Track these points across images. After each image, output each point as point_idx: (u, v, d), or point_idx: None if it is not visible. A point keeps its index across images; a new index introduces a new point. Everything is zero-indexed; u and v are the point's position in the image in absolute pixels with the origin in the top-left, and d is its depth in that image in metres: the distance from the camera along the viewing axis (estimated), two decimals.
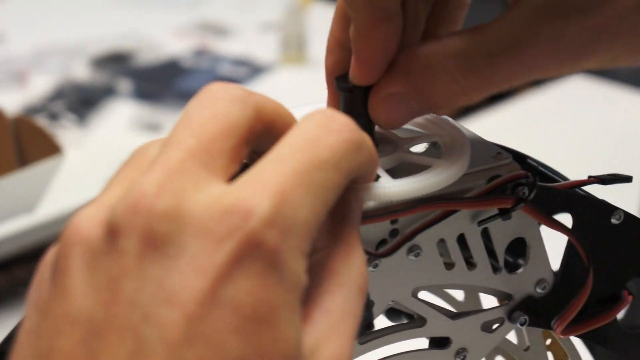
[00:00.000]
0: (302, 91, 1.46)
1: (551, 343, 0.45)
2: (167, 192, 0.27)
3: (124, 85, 1.36)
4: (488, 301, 0.45)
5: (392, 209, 0.37)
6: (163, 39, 1.53)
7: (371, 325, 0.36)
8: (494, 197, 0.38)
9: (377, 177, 0.37)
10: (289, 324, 0.27)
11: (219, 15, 1.64)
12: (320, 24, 1.57)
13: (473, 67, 0.35)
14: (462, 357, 0.41)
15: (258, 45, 1.52)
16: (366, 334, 0.39)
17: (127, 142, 1.23)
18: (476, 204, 0.38)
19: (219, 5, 1.70)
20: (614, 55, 0.35)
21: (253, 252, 0.27)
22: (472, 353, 0.41)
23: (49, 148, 0.74)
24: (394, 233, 0.38)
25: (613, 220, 0.41)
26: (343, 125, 0.30)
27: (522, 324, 0.41)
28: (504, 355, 0.45)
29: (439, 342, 0.41)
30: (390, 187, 0.36)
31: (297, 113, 0.42)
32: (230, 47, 1.51)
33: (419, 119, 0.41)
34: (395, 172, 0.38)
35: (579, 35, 0.34)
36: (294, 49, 1.47)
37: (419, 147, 0.41)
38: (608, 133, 1.21)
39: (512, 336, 0.43)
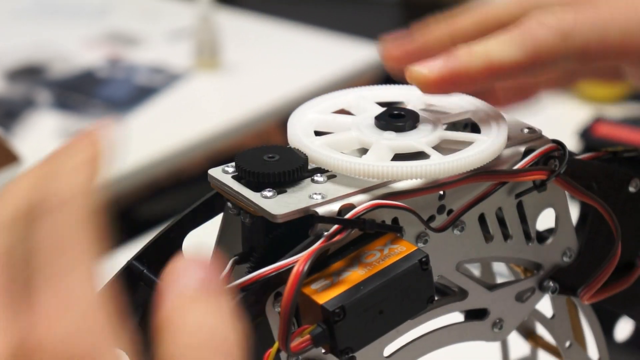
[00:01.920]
0: (219, 96, 1.46)
1: (568, 310, 0.47)
2: None
3: (43, 96, 1.34)
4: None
5: (442, 182, 0.38)
6: (74, 50, 1.51)
7: (432, 299, 0.37)
8: (532, 169, 0.40)
9: (427, 156, 0.38)
10: None
11: (126, 25, 1.63)
12: (231, 29, 1.58)
13: None
14: (499, 327, 0.43)
15: (170, 53, 1.52)
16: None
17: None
18: (517, 175, 0.40)
19: (124, 15, 1.69)
20: None
21: None
22: (507, 323, 0.43)
23: (5, 156, 0.73)
24: (441, 209, 0.39)
25: (630, 189, 0.43)
26: None
27: (553, 292, 0.43)
28: (528, 326, 0.47)
29: (476, 314, 0.43)
30: (443, 164, 0.38)
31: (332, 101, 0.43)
32: (143, 56, 1.50)
33: (446, 101, 0.43)
34: (441, 150, 0.39)
35: None
36: (207, 55, 1.47)
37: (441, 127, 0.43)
38: None
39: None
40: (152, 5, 1.74)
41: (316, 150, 0.39)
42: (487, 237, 0.41)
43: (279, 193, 0.37)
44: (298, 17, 1.71)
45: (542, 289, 0.43)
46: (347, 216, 0.36)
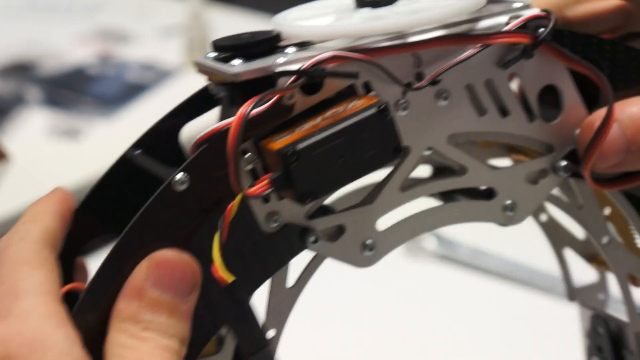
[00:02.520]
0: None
1: (611, 213, 0.44)
2: None
3: (33, 93, 1.33)
4: None
5: (412, 42, 0.37)
6: (65, 47, 1.50)
7: (399, 149, 0.36)
8: (509, 32, 0.38)
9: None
10: None
11: (117, 22, 1.63)
12: (222, 26, 1.57)
13: None
14: (510, 209, 0.40)
15: (161, 50, 1.51)
16: (407, 181, 0.38)
17: (48, 148, 1.21)
18: (493, 38, 0.37)
19: (114, 12, 1.69)
20: None
21: None
22: (521, 206, 0.40)
23: None
24: (419, 76, 0.37)
25: None
26: None
27: (567, 173, 0.40)
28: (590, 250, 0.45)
29: (483, 194, 0.40)
30: (403, 14, 0.37)
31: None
32: (133, 53, 1.50)
33: None
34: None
35: None
36: (198, 51, 1.46)
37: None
38: None
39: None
40: (142, 2, 1.74)
41: (288, 25, 0.38)
42: (481, 110, 0.39)
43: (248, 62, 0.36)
44: None
45: (555, 170, 0.40)
46: (304, 67, 0.35)
